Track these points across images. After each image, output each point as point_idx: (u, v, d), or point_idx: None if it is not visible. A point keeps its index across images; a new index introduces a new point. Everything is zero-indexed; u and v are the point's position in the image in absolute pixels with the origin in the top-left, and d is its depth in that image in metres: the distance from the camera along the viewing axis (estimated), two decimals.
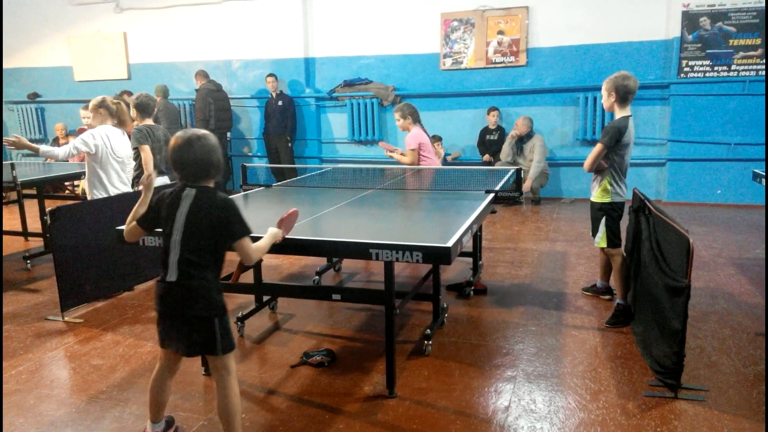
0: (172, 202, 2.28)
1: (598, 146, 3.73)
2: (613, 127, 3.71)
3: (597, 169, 3.84)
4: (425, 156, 5.35)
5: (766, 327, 3.67)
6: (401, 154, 5.38)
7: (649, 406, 2.81)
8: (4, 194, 7.87)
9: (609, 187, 3.83)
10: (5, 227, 6.81)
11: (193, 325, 2.27)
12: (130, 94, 9.39)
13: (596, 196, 3.91)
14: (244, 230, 2.29)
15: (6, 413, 2.87)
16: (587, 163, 3.83)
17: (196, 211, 2.24)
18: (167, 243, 2.27)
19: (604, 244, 3.92)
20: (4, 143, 4.66)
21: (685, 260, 2.75)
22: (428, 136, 5.50)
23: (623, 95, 3.72)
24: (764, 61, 7.46)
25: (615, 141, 3.69)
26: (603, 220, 3.88)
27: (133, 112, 4.98)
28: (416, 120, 5.37)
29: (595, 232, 3.99)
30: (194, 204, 2.25)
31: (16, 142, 4.41)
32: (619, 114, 3.78)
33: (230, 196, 4.21)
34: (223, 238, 2.26)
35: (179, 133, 2.30)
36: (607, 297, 4.27)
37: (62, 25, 10.48)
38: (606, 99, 3.81)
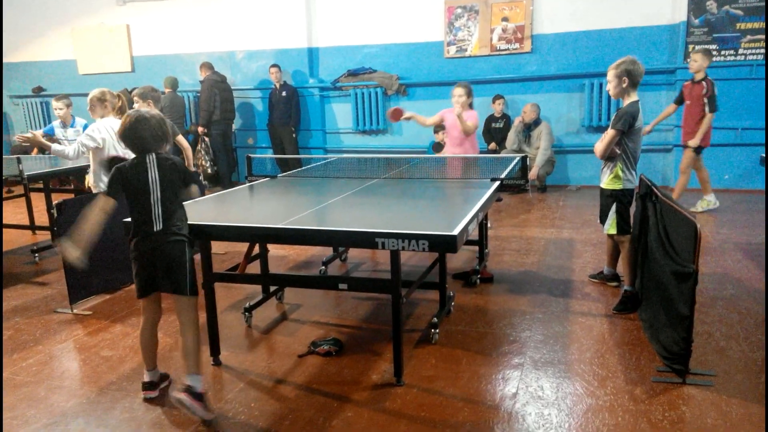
0: (140, 169, 2.69)
1: (611, 132, 3.70)
2: (626, 112, 3.68)
3: (609, 156, 3.81)
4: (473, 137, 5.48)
5: (766, 315, 3.67)
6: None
7: (657, 392, 2.81)
8: (11, 188, 7.91)
9: (621, 174, 3.80)
10: (13, 221, 6.85)
11: (172, 266, 2.68)
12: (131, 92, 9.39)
13: (607, 182, 3.89)
14: (193, 176, 2.84)
15: (17, 405, 2.90)
16: (600, 149, 3.80)
17: (164, 170, 2.70)
18: (146, 201, 2.67)
19: (613, 231, 3.90)
20: (17, 139, 4.69)
21: (693, 246, 2.73)
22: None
23: (634, 80, 3.70)
24: (765, 46, 7.36)
25: (628, 126, 3.67)
26: (613, 207, 3.86)
27: (143, 106, 4.96)
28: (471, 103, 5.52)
29: (603, 218, 3.97)
30: (161, 166, 2.70)
31: (31, 139, 4.44)
32: (628, 99, 3.75)
33: (236, 188, 4.22)
34: (183, 185, 2.77)
35: (132, 113, 2.73)
36: (614, 284, 4.26)
37: (65, 19, 10.47)
38: (616, 85, 3.74)
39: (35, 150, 8.89)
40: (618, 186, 3.83)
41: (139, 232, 2.70)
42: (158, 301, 2.86)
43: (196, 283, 2.77)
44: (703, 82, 6.10)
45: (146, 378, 2.92)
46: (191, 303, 2.75)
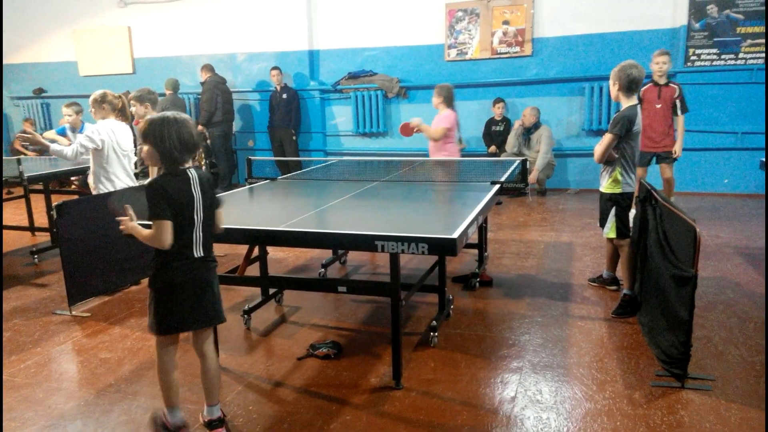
0: (186, 185, 2.38)
1: (608, 136, 3.71)
2: (623, 116, 3.69)
3: (607, 160, 3.82)
4: (449, 141, 5.48)
5: (766, 319, 3.66)
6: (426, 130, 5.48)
7: (655, 396, 2.81)
8: (11, 189, 7.91)
9: (620, 178, 3.80)
10: (12, 222, 6.85)
11: (213, 295, 2.51)
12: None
13: (606, 186, 3.89)
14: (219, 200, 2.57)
15: (15, 407, 2.89)
16: (598, 153, 3.81)
17: (205, 188, 2.44)
18: (190, 222, 2.39)
19: (613, 235, 3.91)
20: (17, 138, 4.73)
21: (692, 250, 2.73)
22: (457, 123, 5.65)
23: (627, 85, 3.71)
24: (765, 50, 7.37)
25: (625, 130, 3.67)
26: (613, 211, 3.87)
27: (140, 109, 4.97)
28: (449, 104, 5.53)
29: (603, 222, 3.97)
30: (202, 183, 2.42)
31: (31, 138, 4.47)
32: (626, 103, 3.76)
33: (236, 190, 4.23)
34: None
35: (174, 114, 2.39)
36: (614, 287, 4.26)
37: (67, 20, 10.48)
38: (612, 88, 3.81)
39: (32, 153, 8.93)
40: (617, 190, 3.83)
41: (181, 255, 2.41)
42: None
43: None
44: (673, 84, 6.05)
45: (205, 416, 2.62)
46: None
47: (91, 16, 10.34)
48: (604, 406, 2.74)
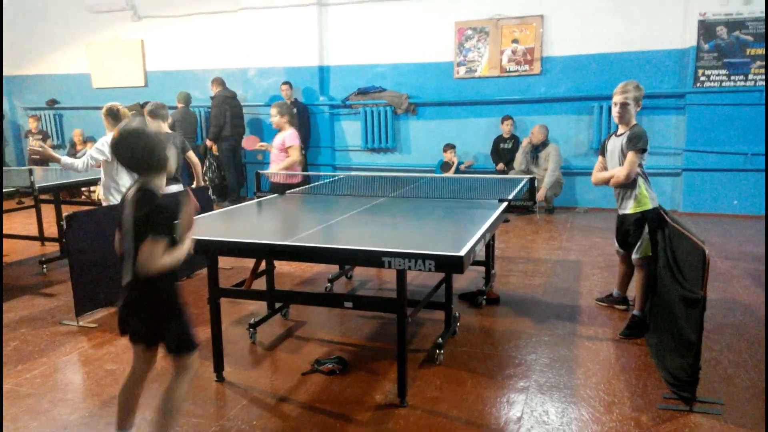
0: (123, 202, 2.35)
1: (633, 155, 3.67)
2: (643, 132, 3.70)
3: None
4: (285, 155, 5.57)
5: (765, 338, 3.62)
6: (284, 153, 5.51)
7: (663, 419, 2.78)
8: (22, 199, 7.98)
9: (646, 193, 3.77)
10: (22, 232, 6.90)
11: (146, 326, 2.37)
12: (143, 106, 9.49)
13: (634, 206, 3.79)
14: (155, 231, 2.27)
15: (20, 417, 2.90)
16: (625, 174, 3.72)
17: (133, 208, 2.30)
18: (124, 242, 2.33)
19: (648, 252, 3.76)
20: (28, 151, 4.77)
21: (701, 271, 2.72)
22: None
23: (639, 103, 3.78)
24: (765, 69, 7.37)
25: (647, 145, 3.69)
26: (646, 229, 3.75)
27: (153, 124, 5.04)
28: (293, 122, 5.63)
29: (624, 244, 3.92)
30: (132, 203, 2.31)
31: (42, 152, 4.50)
32: (633, 122, 3.78)
33: (244, 203, 4.24)
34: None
35: (135, 127, 2.32)
36: (623, 307, 4.22)
37: (81, 33, 10.63)
38: (632, 109, 3.74)
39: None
40: (648, 206, 3.77)
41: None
42: (141, 353, 2.47)
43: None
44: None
45: None
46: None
47: (104, 29, 10.49)
48: (611, 429, 2.71)
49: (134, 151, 2.28)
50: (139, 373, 2.49)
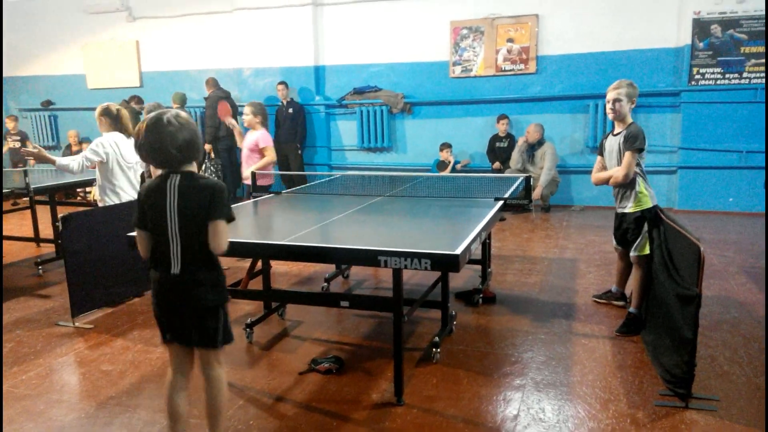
0: (159, 193, 2.22)
1: (630, 155, 3.67)
2: (640, 131, 3.69)
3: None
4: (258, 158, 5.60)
5: (765, 335, 3.64)
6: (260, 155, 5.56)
7: (659, 416, 2.78)
8: (17, 201, 7.96)
9: (646, 191, 3.76)
10: (17, 233, 6.88)
11: (196, 318, 2.26)
12: (139, 101, 9.47)
13: (634, 205, 3.78)
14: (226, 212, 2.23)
15: (16, 418, 2.89)
16: (623, 174, 3.72)
17: (187, 197, 2.20)
18: (164, 235, 2.22)
19: (647, 251, 3.75)
20: (21, 153, 4.74)
21: (696, 269, 2.73)
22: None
23: (634, 101, 3.79)
24: (765, 68, 7.40)
25: (645, 143, 3.69)
26: (645, 227, 3.74)
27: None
28: (265, 123, 5.66)
29: (623, 242, 3.93)
30: (182, 190, 2.21)
31: (37, 154, 4.49)
32: (629, 121, 3.79)
33: (240, 203, 4.24)
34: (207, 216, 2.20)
35: (148, 121, 2.19)
36: (621, 303, 4.23)
37: (76, 34, 10.61)
38: (625, 105, 3.75)
39: (32, 161, 8.99)
40: (648, 204, 3.77)
41: (158, 268, 2.28)
42: (189, 353, 2.38)
43: (231, 329, 2.37)
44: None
45: None
46: (218, 355, 2.34)
47: (100, 30, 10.47)
48: (608, 426, 2.71)
49: (182, 141, 2.18)
50: (184, 374, 2.37)
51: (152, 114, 2.23)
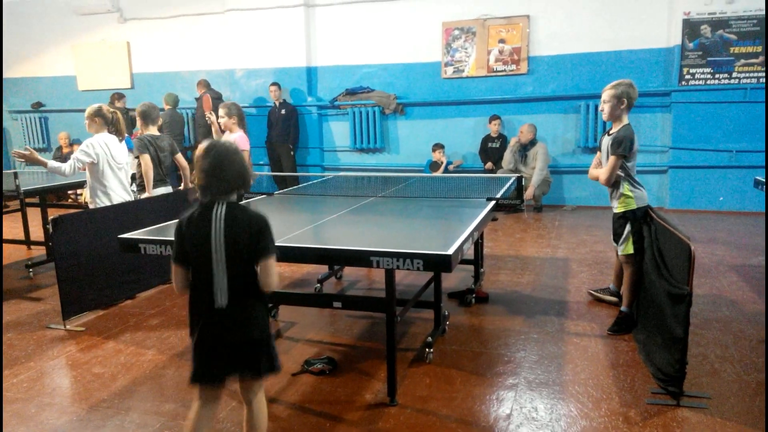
0: (203, 221, 2.13)
1: (614, 159, 3.68)
2: (625, 137, 3.67)
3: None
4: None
5: (766, 335, 3.67)
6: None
7: (651, 414, 2.80)
8: (7, 203, 7.90)
9: (630, 193, 3.78)
10: (8, 236, 6.83)
11: (245, 350, 2.18)
12: (120, 96, 9.38)
13: (618, 206, 3.84)
14: (274, 247, 2.18)
15: (7, 422, 2.87)
16: (605, 177, 3.77)
17: (234, 226, 2.12)
18: (207, 266, 2.11)
19: (631, 251, 3.80)
20: (12, 155, 4.70)
21: (687, 267, 2.74)
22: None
23: (631, 103, 3.73)
24: (765, 68, 7.47)
25: (629, 150, 3.69)
26: (627, 227, 3.79)
27: (138, 122, 5.04)
28: (242, 125, 5.32)
29: (617, 240, 3.94)
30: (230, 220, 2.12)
31: (28, 156, 4.46)
32: (620, 123, 3.77)
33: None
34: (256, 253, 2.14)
35: (209, 145, 2.14)
36: (615, 300, 4.24)
37: (66, 35, 10.55)
38: (614, 105, 3.72)
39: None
40: (632, 206, 3.79)
41: (203, 299, 2.15)
42: (218, 394, 2.29)
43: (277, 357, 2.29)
44: None
45: None
46: (261, 382, 2.31)
47: (90, 32, 10.42)
48: (600, 424, 2.73)
49: (233, 171, 2.13)
50: (213, 409, 2.28)
51: (210, 141, 2.19)
